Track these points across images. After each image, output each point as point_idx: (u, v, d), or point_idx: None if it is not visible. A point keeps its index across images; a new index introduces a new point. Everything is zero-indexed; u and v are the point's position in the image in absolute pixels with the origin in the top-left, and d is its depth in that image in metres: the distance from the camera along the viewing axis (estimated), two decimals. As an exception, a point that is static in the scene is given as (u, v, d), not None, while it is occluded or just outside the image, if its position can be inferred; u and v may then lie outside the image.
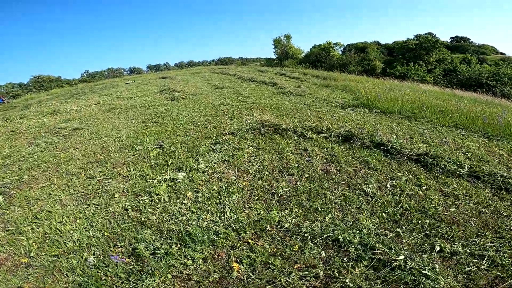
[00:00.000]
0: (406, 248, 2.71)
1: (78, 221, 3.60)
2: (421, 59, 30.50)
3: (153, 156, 5.19)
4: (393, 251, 2.66)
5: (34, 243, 3.30)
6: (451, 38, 47.87)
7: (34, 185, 4.72)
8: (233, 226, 3.24)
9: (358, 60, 32.11)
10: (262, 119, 6.49)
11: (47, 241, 3.32)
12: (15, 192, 4.57)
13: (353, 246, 2.77)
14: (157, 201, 3.78)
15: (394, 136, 5.87)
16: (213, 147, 5.46)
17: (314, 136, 5.82)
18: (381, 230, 2.97)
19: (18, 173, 5.27)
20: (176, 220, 3.38)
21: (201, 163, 4.70)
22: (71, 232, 3.40)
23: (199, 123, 7.21)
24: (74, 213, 3.77)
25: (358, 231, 2.96)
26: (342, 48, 37.23)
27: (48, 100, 18.34)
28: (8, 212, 4.07)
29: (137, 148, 5.67)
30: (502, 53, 58.75)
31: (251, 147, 5.32)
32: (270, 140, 5.65)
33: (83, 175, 4.81)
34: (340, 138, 5.80)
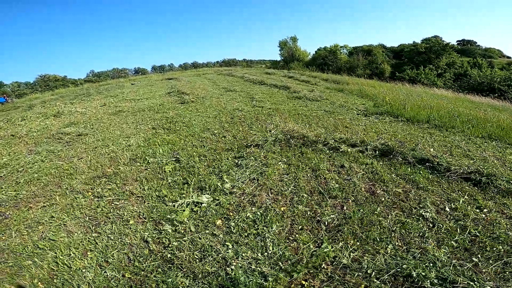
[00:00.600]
0: (488, 278, 2.42)
1: (89, 254, 2.95)
2: (431, 63, 29.78)
3: (169, 171, 4.51)
4: (476, 283, 2.35)
5: (39, 283, 2.65)
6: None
7: (34, 204, 4.05)
8: (281, 264, 2.66)
9: (365, 63, 31.41)
10: (288, 129, 5.83)
11: (55, 280, 2.67)
12: (11, 213, 3.91)
13: (429, 281, 2.37)
14: (182, 231, 3.12)
15: (432, 150, 5.27)
16: (237, 161, 4.78)
17: (348, 149, 5.16)
18: (455, 261, 2.61)
19: (16, 188, 4.60)
20: (210, 258, 2.73)
21: (226, 182, 4.02)
22: (83, 270, 2.74)
23: (215, 131, 6.54)
24: (83, 244, 3.11)
25: (431, 264, 2.59)
26: (348, 51, 36.51)
27: (53, 101, 17.77)
28: (4, 237, 3.41)
29: (149, 161, 5.00)
30: (508, 57, 57.88)
31: (280, 163, 4.65)
32: (300, 154, 4.99)
33: (89, 193, 4.14)
34: (377, 152, 5.15)
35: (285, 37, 38.14)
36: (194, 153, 5.22)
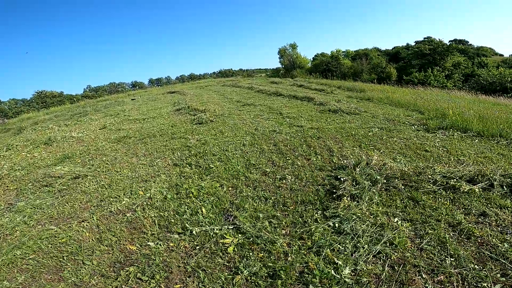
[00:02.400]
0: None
1: None
2: (436, 65, 28.47)
3: (234, 251, 2.63)
4: None
5: None
6: (449, 41, 46.05)
7: None
8: None
9: (370, 67, 29.99)
10: (376, 163, 4.00)
11: None
12: None
13: None
14: None
15: None
16: (331, 224, 2.95)
17: (469, 188, 3.39)
18: None
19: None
20: None
21: (341, 266, 2.17)
22: None
23: (266, 169, 4.66)
24: None
25: None
26: (351, 56, 35.15)
27: (46, 121, 15.74)
28: None
29: (193, 231, 3.08)
30: (501, 55, 57.33)
31: (397, 220, 2.84)
32: (413, 202, 3.20)
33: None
34: (506, 188, 3.41)
35: (284, 45, 36.70)
36: (258, 213, 3.34)
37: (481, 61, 28.25)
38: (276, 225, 3.15)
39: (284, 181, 4.20)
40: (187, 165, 5.06)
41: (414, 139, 6.06)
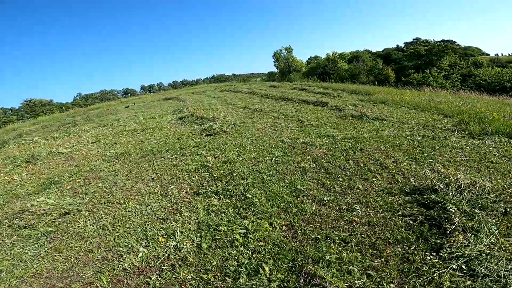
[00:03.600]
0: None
1: None
2: (433, 65, 28.05)
3: None
4: None
5: None
6: (438, 41, 46.28)
7: None
8: None
9: (366, 69, 29.36)
10: (467, 184, 2.93)
11: None
12: None
13: None
14: None
15: None
16: (458, 267, 2.01)
17: None
18: None
19: None
20: None
21: None
22: None
23: (323, 196, 3.52)
24: None
25: None
26: (348, 58, 34.53)
27: (31, 133, 14.17)
28: None
29: None
30: (487, 54, 57.97)
31: None
32: None
33: None
34: None
35: (279, 48, 35.75)
36: (347, 265, 2.21)
37: (476, 60, 28.05)
38: (379, 279, 2.01)
39: (354, 212, 3.10)
40: (214, 194, 3.82)
41: (467, 148, 5.09)
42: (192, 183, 4.26)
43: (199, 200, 3.72)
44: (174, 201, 3.82)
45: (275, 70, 42.21)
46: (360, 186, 3.77)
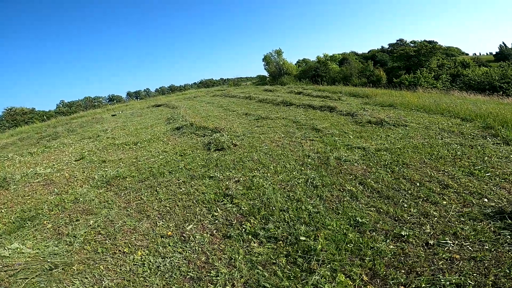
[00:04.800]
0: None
1: None
2: (422, 66, 28.09)
3: None
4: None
5: None
6: (424, 42, 47.18)
7: None
8: None
9: (358, 71, 29.07)
10: None
11: None
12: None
13: None
14: None
15: None
16: None
17: None
18: None
19: None
20: None
21: None
22: None
23: (400, 232, 2.72)
24: None
25: None
26: (338, 60, 34.22)
27: (7, 147, 12.57)
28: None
29: None
30: (466, 54, 59.63)
31: None
32: None
33: None
34: None
35: (269, 51, 35.05)
36: None
37: (463, 60, 28.38)
38: None
39: (447, 247, 2.44)
40: (251, 237, 2.81)
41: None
42: (216, 221, 3.23)
43: (234, 247, 2.70)
44: (199, 249, 2.78)
45: (264, 73, 41.53)
46: (434, 213, 3.06)
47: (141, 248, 2.85)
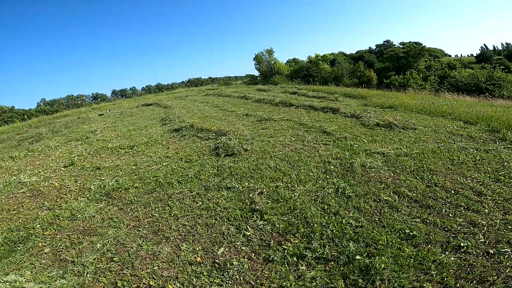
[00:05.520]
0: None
1: None
2: (410, 67, 28.58)
3: None
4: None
5: None
6: (399, 43, 48.21)
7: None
8: None
9: (349, 72, 29.23)
10: None
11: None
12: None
13: None
14: None
15: None
16: None
17: None
18: None
19: None
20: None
21: None
22: None
23: (459, 243, 2.56)
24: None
25: None
26: (329, 61, 34.28)
27: (-16, 150, 11.53)
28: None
29: None
30: (449, 55, 61.58)
31: None
32: None
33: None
34: None
35: (260, 50, 34.66)
36: None
37: (450, 62, 29.13)
38: None
39: (505, 255, 2.39)
40: (298, 259, 2.41)
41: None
42: (251, 242, 2.80)
43: (281, 272, 2.30)
44: (241, 278, 2.35)
45: (253, 73, 41.13)
46: (481, 222, 2.93)
47: (170, 280, 2.37)
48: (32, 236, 3.50)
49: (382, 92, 16.29)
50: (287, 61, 48.78)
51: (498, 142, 5.63)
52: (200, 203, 3.66)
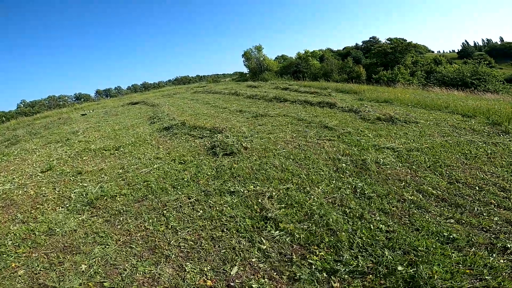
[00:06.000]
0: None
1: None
2: (398, 63, 28.84)
3: None
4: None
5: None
6: (386, 39, 48.94)
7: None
8: None
9: (338, 67, 29.17)
10: None
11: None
12: None
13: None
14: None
15: None
16: None
17: None
18: None
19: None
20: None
21: None
22: None
23: (505, 244, 2.13)
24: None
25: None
26: (319, 57, 34.12)
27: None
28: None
29: None
30: (432, 51, 63.02)
31: None
32: None
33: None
34: None
35: (249, 47, 34.05)
36: None
37: (436, 57, 29.64)
38: None
39: None
40: (329, 275, 2.03)
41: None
42: (268, 257, 2.35)
43: None
44: None
45: (241, 70, 40.52)
46: None
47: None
48: (3, 255, 2.92)
49: (373, 87, 16.19)
50: (276, 58, 48.49)
51: (502, 135, 5.51)
52: (201, 211, 3.17)
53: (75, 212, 3.54)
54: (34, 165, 6.40)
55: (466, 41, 64.93)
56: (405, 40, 36.37)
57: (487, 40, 73.30)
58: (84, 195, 3.97)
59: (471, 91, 17.74)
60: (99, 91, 61.48)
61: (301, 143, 5.20)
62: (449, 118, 7.15)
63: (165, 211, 3.24)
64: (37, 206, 4.03)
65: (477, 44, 71.99)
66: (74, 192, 4.15)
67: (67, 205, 3.80)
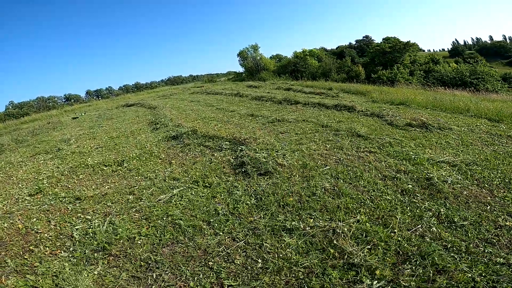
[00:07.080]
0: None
1: None
2: (396, 62, 28.59)
3: None
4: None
5: None
6: (383, 38, 49.06)
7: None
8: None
9: (337, 67, 28.69)
10: None
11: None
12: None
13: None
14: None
15: None
16: None
17: None
18: None
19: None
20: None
21: None
22: None
23: None
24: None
25: None
26: (317, 56, 33.52)
27: None
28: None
29: None
30: (423, 50, 63.63)
31: None
32: None
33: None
34: None
35: (245, 46, 33.25)
36: None
37: (433, 57, 29.56)
38: None
39: None
40: None
41: None
42: None
43: None
44: None
45: (235, 69, 39.62)
46: None
47: None
48: None
49: (378, 88, 15.70)
50: (271, 57, 47.76)
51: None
52: (261, 261, 2.36)
53: (85, 261, 2.69)
54: (20, 184, 5.43)
55: (456, 39, 65.93)
56: (398, 39, 36.25)
57: (477, 39, 74.57)
58: (91, 234, 3.11)
59: (471, 91, 17.54)
60: (90, 92, 59.18)
61: (341, 157, 4.47)
62: (478, 123, 6.64)
63: (210, 262, 2.42)
64: (31, 248, 3.15)
65: (467, 43, 73.21)
66: (77, 229, 3.29)
67: (71, 249, 2.94)
